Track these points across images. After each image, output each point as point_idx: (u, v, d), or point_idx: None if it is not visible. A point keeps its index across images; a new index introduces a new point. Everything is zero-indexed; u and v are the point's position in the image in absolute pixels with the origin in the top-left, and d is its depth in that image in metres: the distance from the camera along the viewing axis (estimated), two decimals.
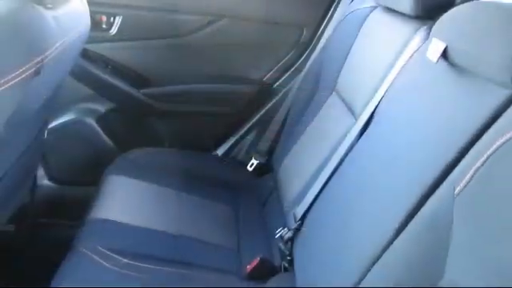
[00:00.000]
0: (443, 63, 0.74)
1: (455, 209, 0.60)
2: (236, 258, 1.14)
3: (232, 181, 1.48)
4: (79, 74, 1.51)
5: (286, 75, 1.65)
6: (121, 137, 1.63)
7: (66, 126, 1.58)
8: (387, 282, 0.68)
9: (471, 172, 0.59)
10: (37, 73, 0.85)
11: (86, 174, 1.59)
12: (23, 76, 0.82)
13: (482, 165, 0.58)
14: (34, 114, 1.12)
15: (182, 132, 1.67)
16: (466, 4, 0.77)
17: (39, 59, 0.85)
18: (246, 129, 1.69)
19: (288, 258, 1.05)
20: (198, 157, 1.59)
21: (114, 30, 1.52)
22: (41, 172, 1.62)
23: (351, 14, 1.31)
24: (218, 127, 1.69)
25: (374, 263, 0.71)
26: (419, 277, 0.63)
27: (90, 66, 1.53)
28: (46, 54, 0.88)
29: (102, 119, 1.61)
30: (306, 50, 1.62)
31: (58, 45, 0.94)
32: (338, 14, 1.50)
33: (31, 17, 0.85)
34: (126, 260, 1.00)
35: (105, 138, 1.61)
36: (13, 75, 0.79)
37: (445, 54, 0.74)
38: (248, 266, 1.08)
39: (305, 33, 1.61)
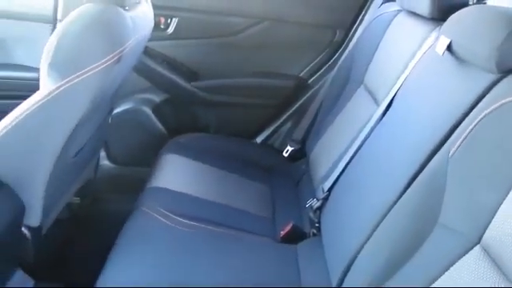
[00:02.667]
0: (448, 56, 0.90)
1: (449, 167, 0.76)
2: (271, 225, 1.31)
3: (269, 164, 1.65)
4: (139, 68, 1.69)
5: (321, 72, 1.79)
6: (172, 124, 1.81)
7: (126, 113, 1.77)
8: (394, 231, 0.85)
9: (462, 137, 0.75)
10: (118, 61, 1.05)
11: (140, 156, 1.79)
12: (109, 63, 1.02)
13: (470, 132, 0.74)
14: (107, 98, 1.32)
15: (226, 120, 1.83)
16: (469, 7, 0.92)
17: (121, 50, 1.05)
18: (282, 119, 1.83)
19: (316, 225, 1.22)
20: (239, 143, 1.76)
21: (170, 30, 1.70)
22: (102, 153, 1.82)
23: (379, 17, 1.46)
24: (258, 117, 1.84)
25: (384, 217, 0.88)
26: (420, 223, 0.79)
27: (149, 61, 1.72)
28: (125, 46, 1.08)
29: (156, 108, 1.79)
30: (339, 50, 1.76)
31: (132, 40, 1.14)
32: (368, 17, 1.64)
33: (115, 16, 1.06)
34: (180, 219, 1.19)
35: (158, 124, 1.80)
36: (102, 61, 1.00)
37: (449, 48, 0.89)
38: (281, 232, 1.25)
39: (338, 34, 1.75)
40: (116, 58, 1.03)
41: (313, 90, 1.79)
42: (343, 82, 1.52)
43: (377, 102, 1.24)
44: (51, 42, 1.00)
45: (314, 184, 1.36)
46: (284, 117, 1.84)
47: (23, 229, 1.11)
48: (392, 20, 1.37)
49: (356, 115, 1.33)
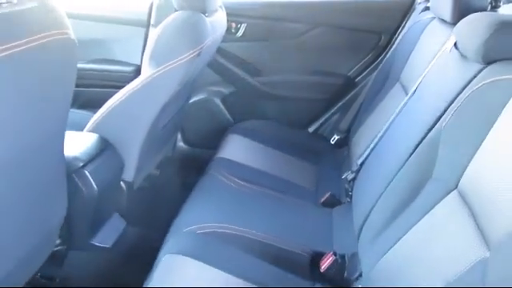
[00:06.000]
0: (454, 51, 1.13)
1: (442, 135, 1.00)
2: (314, 195, 1.58)
3: (317, 149, 1.91)
4: (212, 65, 2.01)
5: (366, 71, 2.02)
6: (237, 112, 2.11)
7: (200, 102, 2.10)
8: (400, 188, 1.08)
9: (452, 112, 0.99)
10: (198, 55, 1.37)
11: (210, 140, 2.07)
12: (192, 56, 1.34)
13: (458, 108, 0.98)
14: (188, 86, 1.65)
15: (282, 111, 2.11)
16: (474, 14, 1.14)
17: (201, 46, 1.37)
18: (331, 112, 2.08)
19: (350, 193, 1.47)
20: (293, 130, 2.04)
21: (239, 34, 2.01)
22: (178, 136, 2.16)
23: (417, 23, 1.67)
24: (310, 109, 2.10)
25: (392, 179, 1.12)
26: (418, 180, 1.02)
27: (221, 59, 2.03)
28: (204, 43, 1.40)
29: (225, 99, 2.10)
30: (383, 52, 1.98)
31: (209, 39, 1.45)
32: (409, 23, 1.86)
33: (198, 20, 1.39)
34: (242, 182, 1.49)
35: (226, 113, 2.12)
36: (187, 54, 1.32)
37: (456, 46, 1.13)
38: (321, 199, 1.52)
39: (382, 38, 1.98)
40: (197, 52, 1.35)
41: (358, 87, 2.02)
42: (383, 79, 1.75)
43: (406, 93, 1.47)
44: (152, 39, 1.34)
45: (351, 163, 1.61)
46: (333, 110, 2.09)
47: (121, 182, 1.46)
48: (426, 26, 1.58)
49: (390, 106, 1.56)
